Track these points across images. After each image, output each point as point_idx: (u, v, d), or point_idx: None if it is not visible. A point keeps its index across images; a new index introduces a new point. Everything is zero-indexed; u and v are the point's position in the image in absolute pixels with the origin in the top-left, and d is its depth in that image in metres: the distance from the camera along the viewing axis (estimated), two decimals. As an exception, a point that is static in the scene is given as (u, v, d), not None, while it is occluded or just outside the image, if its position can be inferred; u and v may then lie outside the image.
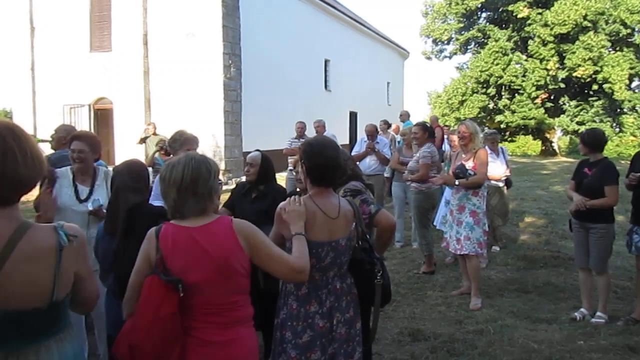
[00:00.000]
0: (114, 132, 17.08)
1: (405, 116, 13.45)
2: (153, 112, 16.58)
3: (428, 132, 6.86)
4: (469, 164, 5.42)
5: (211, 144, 15.72)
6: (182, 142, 4.33)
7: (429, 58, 34.62)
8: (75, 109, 17.47)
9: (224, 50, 15.90)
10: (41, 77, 18.17)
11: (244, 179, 4.51)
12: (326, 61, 23.47)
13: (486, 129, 11.12)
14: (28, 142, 1.72)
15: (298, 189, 3.32)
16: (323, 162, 2.63)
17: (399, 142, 10.21)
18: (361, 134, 11.01)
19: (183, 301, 2.04)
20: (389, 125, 12.29)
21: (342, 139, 20.12)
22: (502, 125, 30.22)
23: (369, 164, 8.57)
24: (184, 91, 16.08)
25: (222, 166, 15.80)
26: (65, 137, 4.76)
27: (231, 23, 16.15)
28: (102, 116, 17.55)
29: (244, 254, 2.14)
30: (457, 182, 5.44)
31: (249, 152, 4.34)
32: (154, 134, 10.77)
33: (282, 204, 2.61)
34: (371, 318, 2.93)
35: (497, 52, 29.51)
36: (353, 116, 25.78)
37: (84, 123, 17.04)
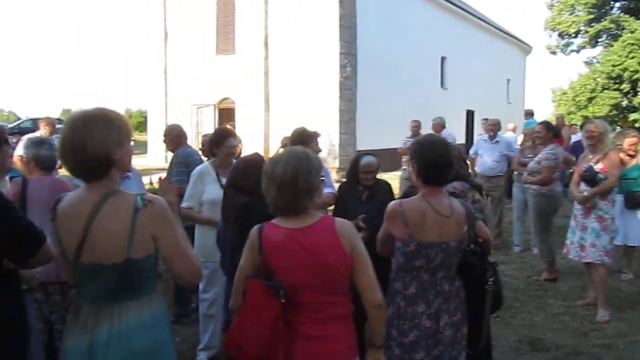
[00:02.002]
0: (235, 130, 17.97)
1: (527, 114, 12.78)
2: (271, 111, 17.29)
3: (553, 131, 6.48)
4: (598, 166, 5.05)
5: (326, 142, 16.04)
6: (301, 139, 4.45)
7: (553, 53, 32.57)
8: (201, 109, 18.70)
9: (341, 50, 16.15)
10: (172, 79, 19.73)
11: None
12: (443, 58, 22.96)
13: (618, 129, 10.18)
14: (90, 128, 1.89)
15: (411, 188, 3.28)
16: (433, 160, 2.59)
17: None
18: (478, 133, 10.64)
19: (287, 300, 2.08)
20: (532, 114, 11.52)
21: (459, 139, 19.59)
22: (637, 125, 27.65)
23: (490, 165, 8.08)
24: (301, 91, 16.58)
25: (336, 164, 16.08)
26: (181, 136, 5.19)
27: (347, 23, 16.36)
28: (225, 115, 18.56)
29: (346, 255, 2.12)
30: (586, 193, 5.07)
31: (362, 151, 4.38)
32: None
33: (394, 202, 2.61)
34: (481, 324, 2.84)
35: (632, 44, 26.95)
36: (470, 115, 24.99)
37: (208, 122, 18.20)
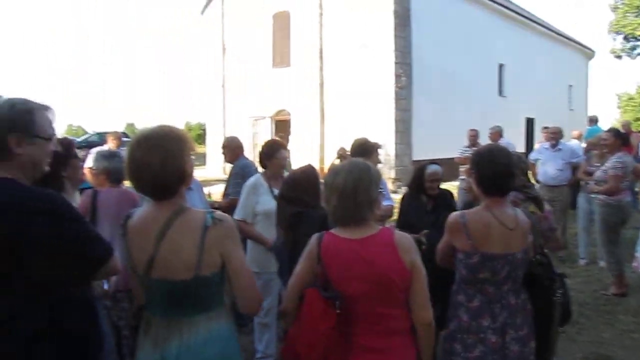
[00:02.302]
0: (289, 141, 18.22)
1: (591, 121, 12.24)
2: (326, 122, 17.40)
3: (621, 139, 6.20)
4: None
5: (382, 152, 15.93)
6: (362, 150, 4.44)
7: (618, 57, 31.37)
8: (258, 121, 19.04)
9: (396, 59, 16.08)
10: (230, 92, 20.21)
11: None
12: (500, 65, 22.44)
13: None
14: (161, 148, 1.94)
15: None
16: (494, 171, 2.55)
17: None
18: (538, 141, 10.25)
19: (344, 310, 2.09)
20: (596, 121, 11.02)
21: (518, 147, 19.05)
22: None
23: (552, 174, 7.71)
24: (356, 101, 16.61)
25: (392, 175, 15.96)
26: (239, 148, 5.29)
27: (402, 32, 16.29)
28: (281, 126, 18.79)
29: (405, 268, 2.12)
30: None
31: (419, 161, 4.34)
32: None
33: (456, 214, 2.57)
34: (548, 338, 2.76)
35: None
36: (530, 122, 24.26)
37: (265, 133, 18.50)
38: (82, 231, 1.92)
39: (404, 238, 2.18)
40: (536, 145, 9.80)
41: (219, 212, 2.03)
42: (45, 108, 1.95)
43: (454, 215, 2.61)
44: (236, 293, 2.04)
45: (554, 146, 7.97)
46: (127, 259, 2.05)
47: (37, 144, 1.90)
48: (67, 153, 2.62)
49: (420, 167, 4.21)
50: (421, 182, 4.13)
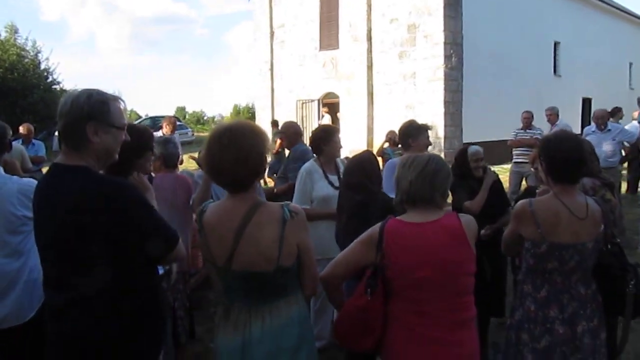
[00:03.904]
0: (340, 124, 18.21)
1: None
2: (375, 105, 17.27)
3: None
4: None
5: (431, 135, 15.72)
6: (410, 133, 4.37)
7: (685, 32, 29.54)
8: (306, 104, 19.09)
9: (446, 40, 15.73)
10: (278, 75, 20.33)
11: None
12: (555, 44, 21.61)
13: None
14: (245, 142, 2.00)
15: (539, 187, 3.15)
16: (564, 158, 2.46)
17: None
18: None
19: (409, 297, 2.12)
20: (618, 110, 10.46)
21: (575, 129, 18.43)
22: None
23: (603, 156, 7.17)
24: (404, 83, 16.43)
25: (442, 156, 15.72)
26: (299, 134, 5.30)
27: (453, 12, 15.90)
28: (330, 109, 18.79)
29: (472, 252, 2.12)
30: None
31: (469, 143, 4.28)
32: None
33: (524, 202, 2.53)
34: (619, 330, 2.69)
35: None
36: (587, 103, 23.35)
37: (313, 116, 18.56)
38: (150, 219, 1.99)
39: (471, 221, 2.19)
40: (579, 130, 9.45)
41: (292, 205, 2.10)
42: (118, 99, 2.03)
43: (521, 202, 2.54)
44: (305, 277, 2.14)
45: (602, 129, 7.71)
46: (204, 252, 2.13)
47: (112, 133, 1.97)
48: (145, 145, 2.72)
49: (462, 150, 4.19)
50: (466, 164, 4.09)
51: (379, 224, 2.21)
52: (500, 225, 3.90)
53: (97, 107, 1.92)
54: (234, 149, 1.98)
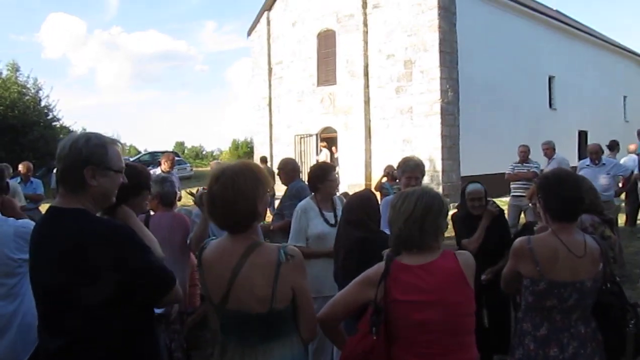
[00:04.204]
0: (338, 158, 18.30)
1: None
2: (373, 139, 17.40)
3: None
4: None
5: (429, 168, 15.83)
6: (405, 168, 4.39)
7: (677, 65, 30.02)
8: (304, 139, 19.23)
9: (441, 75, 15.96)
10: (276, 111, 20.58)
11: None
12: (550, 77, 21.94)
13: None
14: (246, 183, 2.02)
15: (537, 224, 3.14)
16: (562, 197, 2.47)
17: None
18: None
19: (409, 338, 2.08)
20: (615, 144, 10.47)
21: (571, 162, 18.56)
22: None
23: (601, 188, 7.06)
24: (401, 118, 16.59)
25: (439, 191, 15.77)
26: (296, 171, 5.32)
27: (448, 48, 16.18)
28: (327, 144, 18.92)
29: (471, 291, 2.10)
30: None
31: (467, 177, 4.28)
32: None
33: (522, 239, 2.53)
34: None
35: None
36: (583, 135, 23.53)
37: (311, 151, 18.67)
38: (147, 261, 1.97)
39: (468, 258, 2.16)
40: (577, 163, 9.50)
41: (290, 247, 2.09)
42: (116, 142, 2.04)
43: (520, 240, 2.54)
44: (302, 321, 2.12)
45: (596, 163, 7.77)
46: (202, 289, 2.15)
47: (109, 177, 1.98)
48: (143, 184, 2.73)
49: (464, 188, 4.18)
50: (465, 202, 4.10)
51: (380, 263, 2.19)
52: (499, 267, 3.81)
53: (95, 151, 1.93)
54: (228, 189, 2.01)
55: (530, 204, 3.75)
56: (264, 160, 15.11)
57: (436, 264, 2.11)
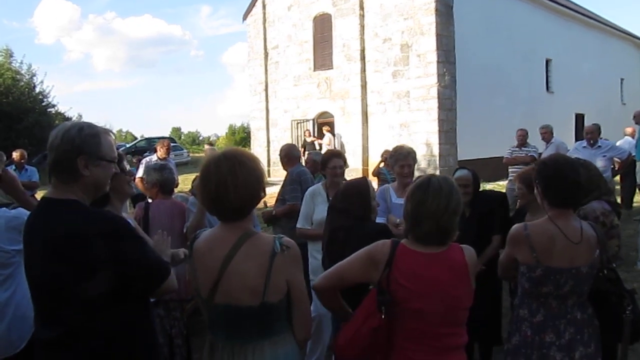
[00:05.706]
0: (335, 143, 18.26)
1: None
2: (370, 123, 17.36)
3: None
4: None
5: (426, 153, 15.82)
6: (397, 157, 4.38)
7: (675, 47, 29.90)
8: (301, 123, 19.17)
9: (438, 59, 15.87)
10: (273, 95, 20.50)
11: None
12: (547, 61, 21.83)
13: None
14: (242, 170, 1.96)
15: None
16: (560, 182, 2.45)
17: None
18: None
19: (402, 323, 2.06)
20: None
21: (569, 145, 18.52)
22: None
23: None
24: (399, 102, 16.53)
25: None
26: (296, 156, 5.36)
27: (445, 31, 16.06)
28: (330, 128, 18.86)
29: (472, 287, 2.09)
30: None
31: (464, 161, 4.25)
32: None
33: (519, 226, 2.51)
34: (618, 356, 2.66)
35: None
36: (580, 119, 23.48)
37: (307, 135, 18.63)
38: (140, 251, 1.95)
39: (473, 254, 2.14)
40: (573, 145, 9.43)
41: (285, 238, 2.01)
42: (108, 132, 2.02)
43: (516, 227, 2.53)
44: (295, 318, 2.04)
45: (592, 144, 7.74)
46: (193, 281, 2.07)
47: (102, 166, 1.95)
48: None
49: (452, 173, 4.13)
50: None
51: (390, 243, 2.13)
52: (486, 258, 3.70)
53: (87, 140, 1.91)
54: (233, 179, 1.95)
55: (516, 187, 3.64)
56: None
57: (444, 255, 2.09)
